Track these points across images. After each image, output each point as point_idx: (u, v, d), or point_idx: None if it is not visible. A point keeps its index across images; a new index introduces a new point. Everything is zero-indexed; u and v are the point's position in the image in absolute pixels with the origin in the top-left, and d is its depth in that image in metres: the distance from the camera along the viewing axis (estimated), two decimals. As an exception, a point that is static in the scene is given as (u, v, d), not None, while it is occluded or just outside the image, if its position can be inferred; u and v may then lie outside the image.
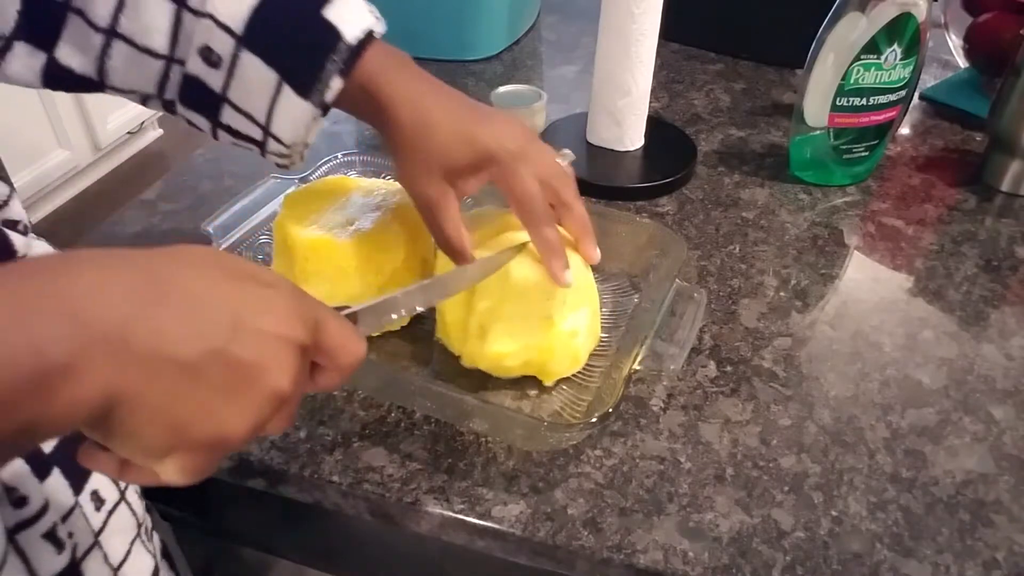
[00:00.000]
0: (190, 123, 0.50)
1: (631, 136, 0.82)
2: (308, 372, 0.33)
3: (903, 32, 0.70)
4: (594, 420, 0.48)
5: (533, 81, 1.00)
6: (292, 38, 0.46)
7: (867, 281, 0.68)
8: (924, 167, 0.84)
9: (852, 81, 0.73)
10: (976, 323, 0.63)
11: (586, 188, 0.77)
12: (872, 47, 0.71)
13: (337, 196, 0.59)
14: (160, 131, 2.72)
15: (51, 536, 0.38)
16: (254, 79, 0.46)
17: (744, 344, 0.61)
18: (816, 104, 0.76)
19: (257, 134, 0.48)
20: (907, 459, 0.52)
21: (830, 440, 0.53)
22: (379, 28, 0.48)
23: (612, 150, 0.82)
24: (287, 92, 0.46)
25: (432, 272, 0.60)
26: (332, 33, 0.45)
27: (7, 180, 0.43)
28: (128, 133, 2.53)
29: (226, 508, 0.63)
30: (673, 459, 0.52)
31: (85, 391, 0.25)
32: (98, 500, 0.43)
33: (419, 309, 0.47)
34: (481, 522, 0.48)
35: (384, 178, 0.65)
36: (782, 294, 0.66)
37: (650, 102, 0.81)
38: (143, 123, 2.58)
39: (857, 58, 0.71)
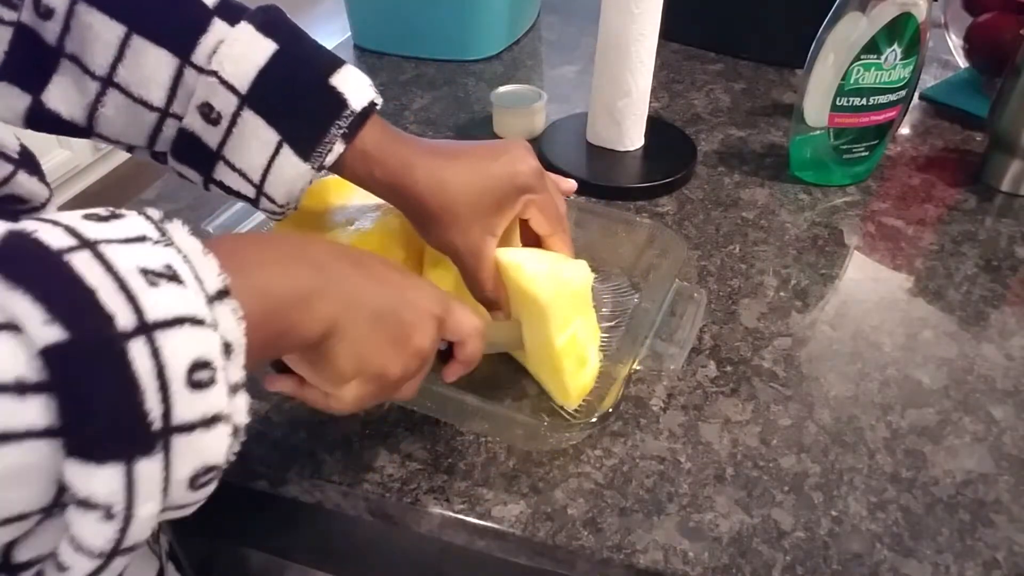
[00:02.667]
0: (180, 175, 0.49)
1: (631, 136, 0.82)
2: (438, 345, 0.42)
3: (903, 32, 0.70)
4: (594, 420, 0.48)
5: (533, 81, 1.00)
6: (297, 101, 0.46)
7: (867, 281, 0.68)
8: (924, 167, 0.84)
9: (852, 81, 0.73)
10: (976, 323, 0.63)
11: (586, 188, 0.78)
12: (872, 47, 0.71)
13: (337, 196, 0.59)
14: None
15: None
16: (254, 139, 0.45)
17: (744, 344, 0.61)
18: (816, 104, 0.76)
19: (250, 192, 0.47)
20: (907, 459, 0.52)
21: (830, 440, 0.53)
22: (379, 100, 0.49)
23: (612, 150, 0.82)
24: (286, 153, 0.46)
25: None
26: (338, 100, 0.46)
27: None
28: (128, 133, 2.52)
29: (226, 508, 0.63)
30: (673, 459, 0.52)
31: (321, 314, 0.34)
32: None
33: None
34: (481, 522, 0.48)
35: None
36: (782, 294, 0.66)
37: (650, 102, 0.81)
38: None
39: (857, 58, 0.71)
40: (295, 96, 0.46)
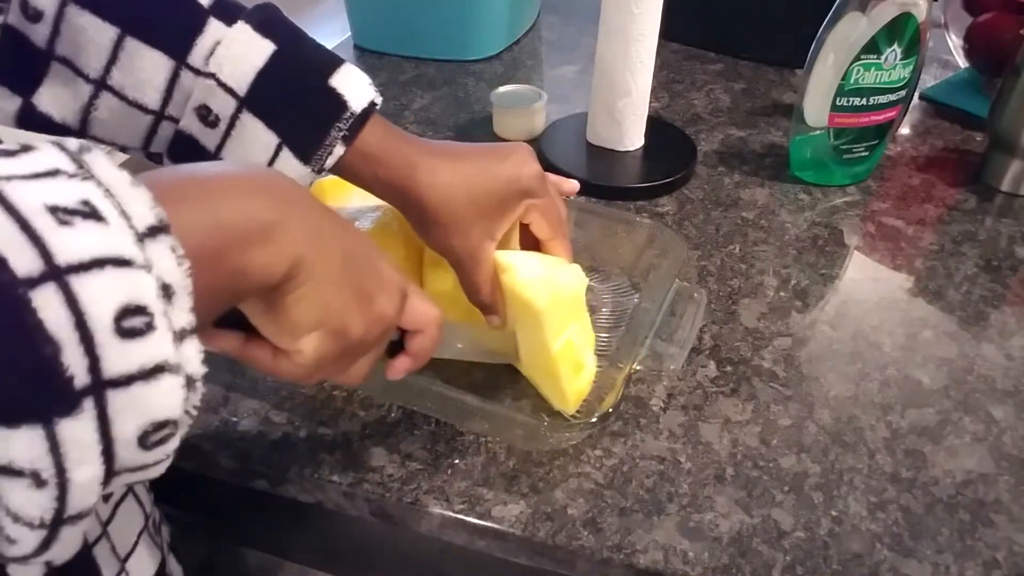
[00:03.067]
0: None
1: (631, 136, 0.82)
2: (395, 327, 0.39)
3: (903, 32, 0.70)
4: (594, 420, 0.48)
5: (533, 81, 1.00)
6: (297, 104, 0.45)
7: (867, 281, 0.68)
8: (924, 167, 0.84)
9: (852, 81, 0.73)
10: (976, 323, 0.63)
11: (586, 188, 0.77)
12: (872, 47, 0.71)
13: (337, 196, 0.59)
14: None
15: None
16: (253, 142, 0.45)
17: (744, 344, 0.61)
18: (816, 104, 0.76)
19: None
20: (907, 459, 0.52)
21: (830, 440, 0.53)
22: (379, 100, 0.48)
23: (612, 150, 0.82)
24: (286, 156, 0.45)
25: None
26: (339, 101, 0.45)
27: None
28: (128, 133, 2.52)
29: (227, 508, 0.63)
30: (673, 459, 0.52)
31: (285, 248, 0.30)
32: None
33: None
34: (481, 522, 0.48)
35: None
36: (782, 294, 0.66)
37: (650, 102, 0.81)
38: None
39: (857, 58, 0.71)
40: (294, 98, 0.45)
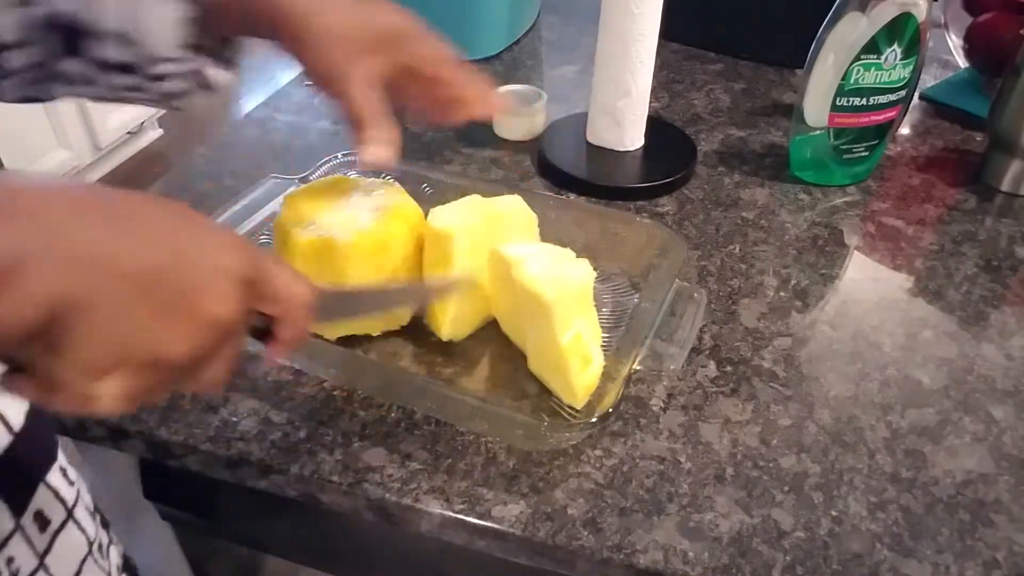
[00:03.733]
0: (31, 99, 0.45)
1: (631, 136, 0.82)
2: (247, 316, 0.32)
3: (903, 32, 0.70)
4: (594, 420, 0.48)
5: (533, 81, 1.00)
6: None
7: (867, 281, 0.68)
8: (924, 167, 0.84)
9: (852, 81, 0.73)
10: (976, 323, 0.63)
11: (586, 188, 0.78)
12: (872, 47, 0.71)
13: (337, 196, 0.59)
14: (160, 131, 2.72)
15: None
16: None
17: (744, 344, 0.61)
18: (816, 104, 0.76)
19: (131, 56, 0.44)
20: (907, 459, 0.52)
21: (830, 440, 0.53)
22: None
23: (612, 150, 0.82)
24: None
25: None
26: None
27: None
28: (128, 133, 2.52)
29: (226, 508, 0.63)
30: (673, 459, 0.52)
31: (32, 291, 0.24)
32: (42, 520, 0.41)
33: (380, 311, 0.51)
34: (481, 522, 0.48)
35: (383, 178, 0.65)
36: (782, 294, 0.66)
37: (650, 102, 0.81)
38: (143, 123, 2.58)
39: (857, 58, 0.71)
40: None
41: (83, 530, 0.45)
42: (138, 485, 0.61)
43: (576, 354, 0.51)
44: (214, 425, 0.53)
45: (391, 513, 0.50)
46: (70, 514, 0.44)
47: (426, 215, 0.58)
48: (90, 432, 0.55)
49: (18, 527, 0.40)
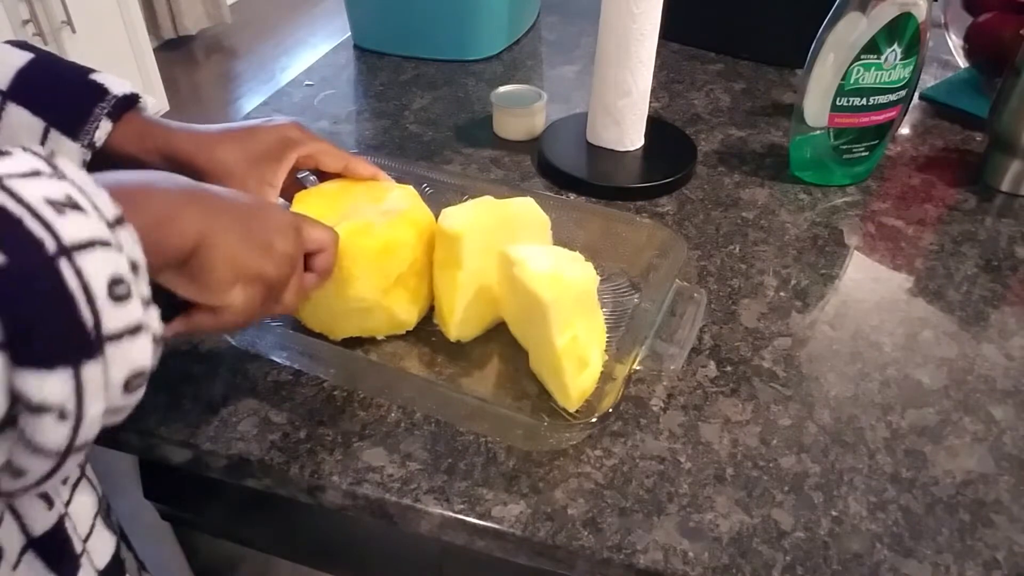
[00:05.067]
0: None
1: (631, 136, 0.82)
2: (302, 258, 0.46)
3: (903, 32, 0.70)
4: (594, 420, 0.48)
5: (533, 81, 1.00)
6: (60, 93, 0.50)
7: (867, 281, 0.68)
8: (924, 167, 0.84)
9: (852, 81, 0.73)
10: (976, 323, 0.63)
11: (586, 188, 0.78)
12: (872, 47, 0.71)
13: (349, 199, 0.58)
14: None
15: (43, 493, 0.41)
16: (19, 128, 0.48)
17: (744, 344, 0.61)
18: (816, 104, 0.76)
19: None
20: (907, 459, 0.52)
21: (830, 440, 0.53)
22: (145, 97, 0.53)
23: (612, 150, 0.82)
24: (55, 136, 0.49)
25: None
26: (100, 87, 0.50)
27: None
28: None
29: (226, 508, 0.63)
30: (673, 459, 0.52)
31: (188, 226, 0.37)
32: None
33: None
34: (481, 522, 0.48)
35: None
36: (782, 294, 0.66)
37: (650, 102, 0.81)
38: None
39: (857, 58, 0.71)
40: (57, 89, 0.50)
41: (95, 487, 0.47)
42: (138, 485, 0.61)
43: (571, 357, 0.51)
44: (214, 425, 0.53)
45: (391, 513, 0.50)
46: (83, 471, 0.46)
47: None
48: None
49: None
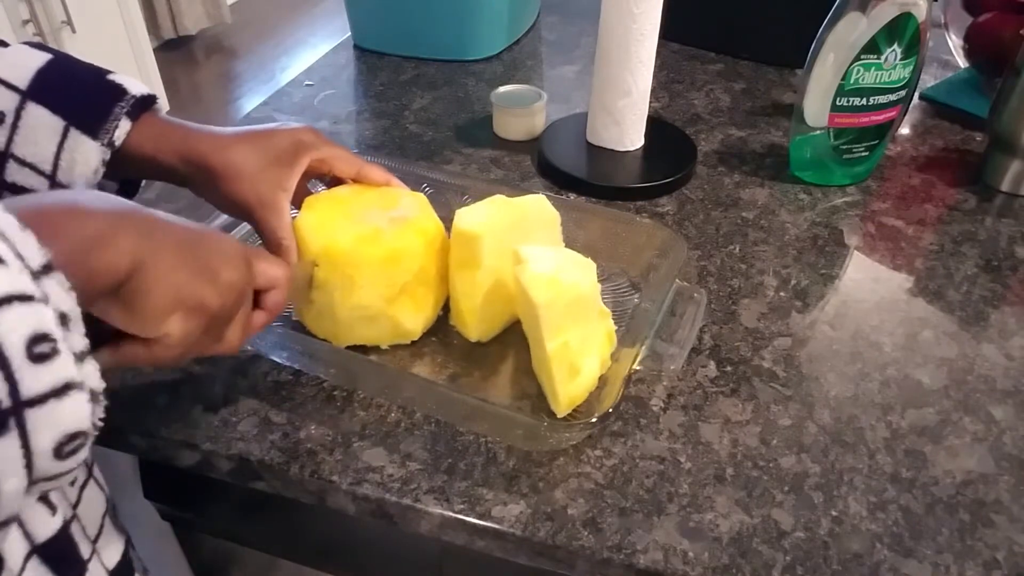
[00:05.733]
0: None
1: (631, 136, 0.82)
2: (251, 292, 0.44)
3: (903, 32, 0.70)
4: (594, 420, 0.48)
5: (533, 81, 1.00)
6: (78, 91, 0.49)
7: (867, 281, 0.68)
8: (924, 167, 0.84)
9: (852, 81, 0.73)
10: (976, 323, 0.63)
11: (586, 188, 0.78)
12: (872, 47, 0.71)
13: (359, 204, 0.58)
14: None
15: (44, 498, 0.40)
16: (40, 128, 0.48)
17: (744, 344, 0.61)
18: (816, 104, 0.76)
19: (43, 186, 0.49)
20: (907, 459, 0.52)
21: (830, 440, 0.53)
22: (160, 100, 0.52)
23: (612, 150, 0.82)
24: (74, 135, 0.48)
25: (443, 289, 0.60)
26: (118, 87, 0.50)
27: None
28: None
29: (226, 508, 0.63)
30: (673, 459, 0.52)
31: (121, 248, 0.34)
32: None
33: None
34: (481, 522, 0.48)
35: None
36: (782, 294, 0.66)
37: (650, 102, 0.81)
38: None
39: (857, 58, 0.71)
40: (76, 89, 0.49)
41: (102, 488, 0.47)
42: (138, 485, 0.61)
43: (562, 362, 0.51)
44: (214, 425, 0.53)
45: (391, 513, 0.50)
46: (90, 472, 0.47)
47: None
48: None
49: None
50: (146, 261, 0.35)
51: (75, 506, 0.43)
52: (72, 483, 0.44)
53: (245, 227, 0.62)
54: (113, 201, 0.36)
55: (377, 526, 0.51)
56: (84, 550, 0.43)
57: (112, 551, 0.46)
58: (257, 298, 0.45)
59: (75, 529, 0.42)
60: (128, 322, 0.37)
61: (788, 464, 0.51)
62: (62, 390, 0.28)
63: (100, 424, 0.30)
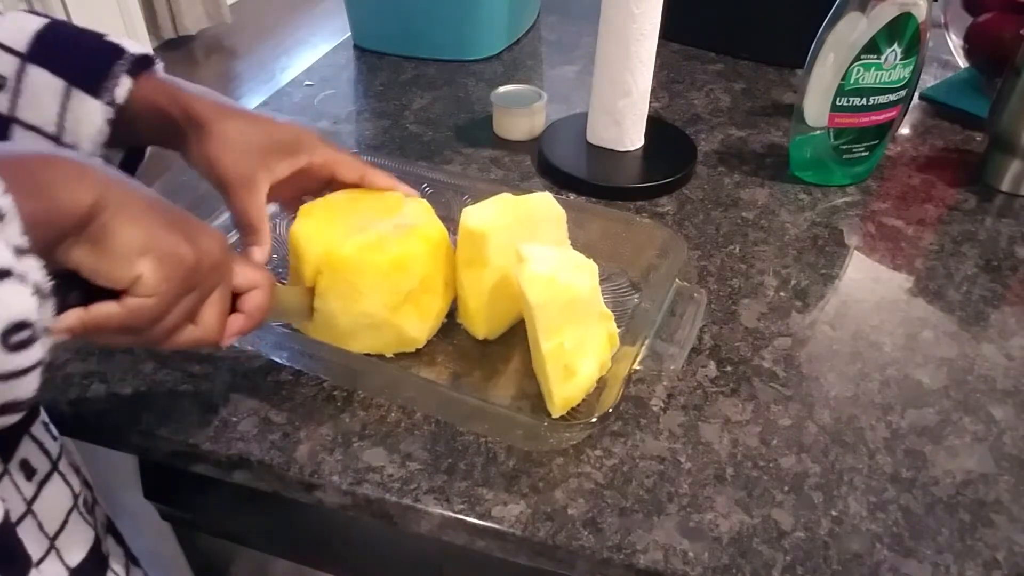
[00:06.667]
0: None
1: (631, 136, 0.82)
2: (230, 284, 0.42)
3: (903, 32, 0.70)
4: (594, 420, 0.48)
5: (533, 81, 1.00)
6: (77, 52, 0.49)
7: (867, 281, 0.68)
8: (924, 167, 0.84)
9: (852, 81, 0.73)
10: (976, 323, 0.63)
11: (586, 188, 0.78)
12: (872, 47, 0.71)
13: (356, 211, 0.57)
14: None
15: None
16: (41, 90, 0.48)
17: (744, 344, 0.61)
18: (816, 104, 0.76)
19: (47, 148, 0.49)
20: (907, 459, 0.52)
21: (830, 440, 0.53)
22: (158, 60, 0.53)
23: (612, 150, 0.82)
24: (77, 95, 0.48)
25: (448, 296, 0.59)
26: (116, 47, 0.50)
27: None
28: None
29: (226, 508, 0.63)
30: (673, 459, 0.52)
31: (85, 187, 0.34)
32: (28, 469, 0.43)
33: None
34: (481, 522, 0.48)
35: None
36: (782, 294, 0.66)
37: (650, 102, 0.81)
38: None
39: (857, 58, 0.71)
40: (75, 50, 0.49)
41: (68, 483, 0.46)
42: (138, 485, 0.61)
43: (557, 363, 0.51)
44: (214, 425, 0.53)
45: (391, 513, 0.50)
46: (55, 466, 0.45)
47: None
48: (90, 432, 0.55)
49: (5, 471, 0.41)
50: (112, 201, 0.34)
51: (31, 502, 0.42)
52: (30, 477, 0.43)
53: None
54: (93, 161, 0.36)
55: (377, 526, 0.51)
56: (33, 548, 0.42)
57: (76, 549, 0.45)
58: (236, 302, 0.44)
59: (27, 526, 0.42)
60: (96, 263, 0.35)
61: (788, 464, 0.51)
62: (2, 275, 0.28)
63: (51, 326, 0.31)
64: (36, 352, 0.30)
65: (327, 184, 0.58)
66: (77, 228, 0.34)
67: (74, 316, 0.35)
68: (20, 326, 0.29)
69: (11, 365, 0.29)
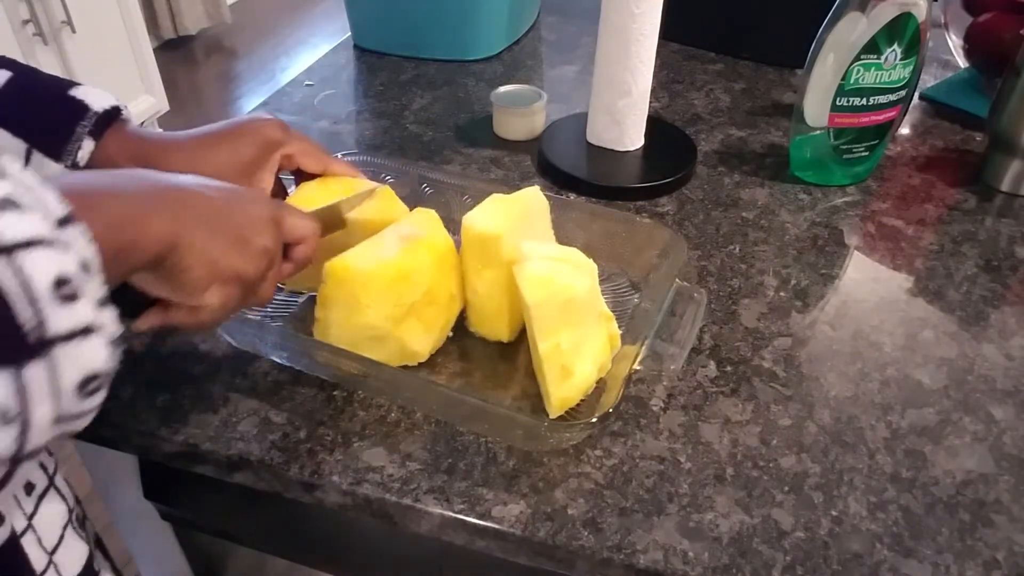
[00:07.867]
0: None
1: (631, 136, 0.82)
2: (281, 249, 0.46)
3: (903, 32, 0.70)
4: (594, 420, 0.48)
5: (533, 81, 1.00)
6: (39, 113, 0.50)
7: (867, 281, 0.68)
8: (924, 167, 0.84)
9: (852, 81, 0.73)
10: (976, 323, 0.63)
11: (586, 188, 0.78)
12: (872, 47, 0.71)
13: (327, 199, 0.57)
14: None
15: None
16: (2, 149, 0.48)
17: (744, 344, 0.61)
18: (816, 104, 0.76)
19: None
20: (907, 459, 0.52)
21: (830, 440, 0.53)
22: (124, 107, 0.53)
23: (612, 150, 0.82)
24: (37, 158, 0.49)
25: (454, 308, 0.59)
26: (80, 105, 0.50)
27: None
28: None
29: (226, 508, 0.63)
30: (673, 459, 0.52)
31: (157, 228, 0.37)
32: (27, 485, 0.43)
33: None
34: (481, 522, 0.48)
35: (384, 178, 0.65)
36: (782, 294, 0.66)
37: (650, 102, 0.81)
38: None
39: (857, 58, 0.71)
40: (36, 109, 0.50)
41: (64, 498, 0.46)
42: (138, 485, 0.62)
43: (554, 363, 0.51)
44: (214, 425, 0.53)
45: (391, 513, 0.50)
46: (51, 481, 0.46)
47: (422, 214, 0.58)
48: (90, 432, 0.55)
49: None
50: (180, 241, 0.38)
51: (31, 516, 0.43)
52: (30, 492, 0.43)
53: None
54: (151, 178, 0.39)
55: (377, 526, 0.51)
56: (37, 563, 0.42)
57: (72, 562, 0.45)
58: (286, 251, 0.47)
59: (28, 540, 0.42)
60: (171, 293, 0.40)
61: (788, 464, 0.51)
62: (84, 331, 0.29)
63: (115, 368, 0.32)
64: (103, 395, 0.32)
65: (293, 173, 0.60)
66: (150, 265, 0.37)
67: (153, 319, 0.41)
68: (95, 376, 0.31)
69: (80, 408, 0.31)
